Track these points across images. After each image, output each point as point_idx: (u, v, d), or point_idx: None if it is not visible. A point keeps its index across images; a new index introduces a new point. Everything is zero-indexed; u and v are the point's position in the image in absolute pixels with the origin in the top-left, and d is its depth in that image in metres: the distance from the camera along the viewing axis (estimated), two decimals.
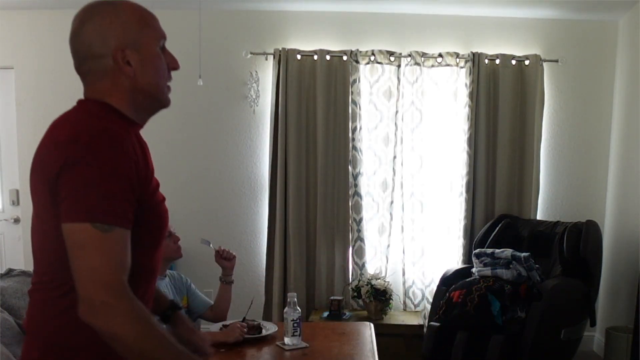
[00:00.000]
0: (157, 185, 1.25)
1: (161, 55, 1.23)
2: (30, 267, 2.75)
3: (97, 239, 1.03)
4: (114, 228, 1.04)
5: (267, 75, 3.99)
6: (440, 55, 3.90)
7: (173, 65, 1.28)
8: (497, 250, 3.45)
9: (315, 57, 3.90)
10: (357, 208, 3.95)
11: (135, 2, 1.21)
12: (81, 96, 1.24)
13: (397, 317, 3.78)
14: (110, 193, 1.05)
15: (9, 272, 2.59)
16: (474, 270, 3.50)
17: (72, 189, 1.04)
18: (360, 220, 3.96)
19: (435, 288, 3.64)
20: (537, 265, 3.37)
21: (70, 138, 1.07)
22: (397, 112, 3.93)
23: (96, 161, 1.04)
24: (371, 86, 3.96)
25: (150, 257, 1.23)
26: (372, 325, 2.50)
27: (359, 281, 3.80)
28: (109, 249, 1.04)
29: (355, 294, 3.75)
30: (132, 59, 1.16)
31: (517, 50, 3.95)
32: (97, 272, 1.02)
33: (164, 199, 1.27)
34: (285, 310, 2.21)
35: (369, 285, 3.66)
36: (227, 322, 2.43)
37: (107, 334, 1.03)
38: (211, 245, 2.65)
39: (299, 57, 3.90)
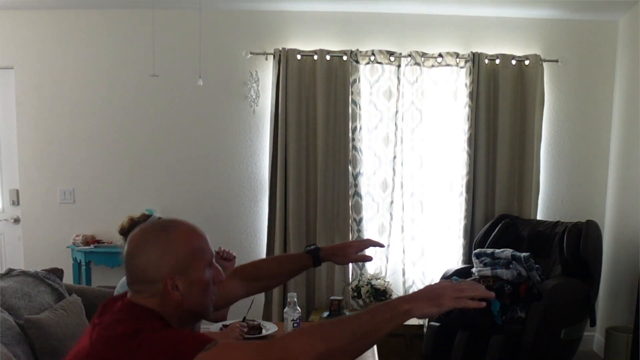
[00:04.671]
0: None
1: (208, 276, 1.29)
2: (30, 267, 2.75)
3: (219, 351, 1.09)
4: (216, 342, 1.11)
5: (267, 75, 3.99)
6: (440, 55, 3.90)
7: (218, 279, 1.33)
8: (497, 250, 3.45)
9: (315, 57, 3.90)
10: (357, 208, 3.95)
11: (188, 225, 1.28)
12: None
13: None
14: (186, 334, 1.15)
15: (9, 272, 2.59)
16: (474, 270, 3.50)
17: (162, 349, 1.09)
18: (360, 220, 3.95)
19: None
20: (537, 265, 3.37)
21: (129, 332, 1.13)
22: (397, 112, 3.93)
23: (160, 333, 1.14)
24: (371, 86, 3.96)
25: None
26: None
27: (359, 281, 3.80)
28: (231, 345, 1.18)
29: (355, 294, 3.76)
30: (180, 284, 1.23)
31: (517, 50, 3.95)
32: (251, 354, 1.11)
33: None
34: (285, 310, 2.21)
35: (369, 285, 3.66)
36: (227, 322, 2.43)
37: (322, 353, 1.09)
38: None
39: (299, 57, 3.90)
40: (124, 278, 2.40)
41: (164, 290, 1.22)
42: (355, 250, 1.76)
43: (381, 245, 1.83)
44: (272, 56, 3.93)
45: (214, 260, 1.32)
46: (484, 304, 1.15)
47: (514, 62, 3.92)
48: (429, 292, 1.15)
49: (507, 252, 3.38)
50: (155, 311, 1.22)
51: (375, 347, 2.19)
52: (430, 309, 1.13)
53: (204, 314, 1.31)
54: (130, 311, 1.22)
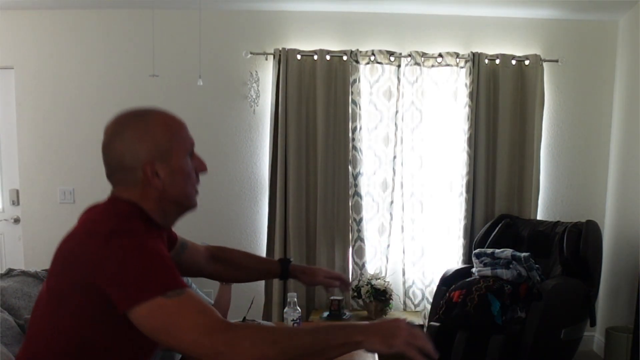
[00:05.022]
0: None
1: (190, 164, 1.27)
2: (30, 267, 2.75)
3: (177, 305, 1.05)
4: (184, 290, 1.08)
5: (267, 75, 3.99)
6: (440, 55, 3.90)
7: (201, 168, 1.32)
8: (497, 250, 3.45)
9: (315, 57, 3.90)
10: (357, 208, 3.95)
11: (165, 112, 1.26)
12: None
13: (397, 317, 3.77)
14: (164, 267, 1.09)
15: (9, 272, 2.59)
16: (474, 270, 3.50)
17: (125, 277, 1.07)
18: (360, 220, 3.95)
19: (435, 288, 3.64)
20: (537, 265, 3.37)
21: (110, 233, 1.10)
22: (397, 112, 3.93)
23: (140, 248, 1.08)
24: (371, 86, 3.96)
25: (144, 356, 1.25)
26: None
27: (359, 281, 3.81)
28: (191, 306, 1.07)
29: (355, 294, 3.76)
30: (161, 170, 1.20)
31: (517, 50, 3.95)
32: (197, 328, 1.05)
33: None
34: (285, 310, 2.20)
35: (369, 285, 3.66)
36: None
37: None
38: None
39: (299, 57, 3.90)
40: None
41: (144, 178, 1.19)
42: (325, 274, 1.71)
43: (347, 286, 1.76)
44: (272, 56, 3.93)
45: (195, 150, 1.29)
46: None
47: (514, 62, 3.92)
48: (384, 329, 1.14)
49: (507, 252, 3.38)
50: (137, 206, 1.19)
51: None
52: (381, 346, 1.11)
53: (187, 204, 1.28)
54: (111, 208, 1.20)
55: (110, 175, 1.23)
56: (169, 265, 1.11)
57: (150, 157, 1.19)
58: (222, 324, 1.07)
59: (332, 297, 3.68)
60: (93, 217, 1.19)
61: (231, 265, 1.71)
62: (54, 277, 1.17)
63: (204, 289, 3.05)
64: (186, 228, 3.57)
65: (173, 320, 1.05)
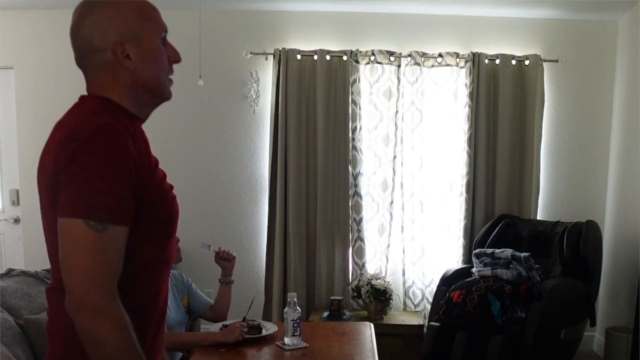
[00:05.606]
0: (164, 176, 1.25)
1: (162, 49, 1.23)
2: (30, 267, 2.75)
3: (90, 238, 1.01)
4: (108, 227, 1.03)
5: (267, 75, 3.99)
6: (440, 55, 3.90)
7: (175, 58, 1.27)
8: (497, 250, 3.45)
9: (315, 57, 3.90)
10: (357, 208, 3.95)
11: None
12: (81, 94, 1.25)
13: (397, 317, 3.78)
14: (106, 190, 1.03)
15: (9, 272, 2.59)
16: (474, 270, 3.50)
17: (69, 186, 1.03)
18: (360, 220, 3.95)
19: (435, 288, 3.64)
20: (537, 265, 3.37)
21: (70, 136, 1.07)
22: (397, 112, 3.93)
23: (94, 158, 1.04)
24: (371, 86, 3.96)
25: (164, 249, 1.22)
26: (372, 325, 2.50)
27: (359, 281, 3.80)
28: (102, 250, 1.02)
29: (355, 294, 3.75)
30: (132, 52, 1.15)
31: (517, 50, 3.95)
32: (90, 273, 1.01)
33: (171, 187, 1.27)
34: (285, 310, 2.21)
35: (369, 285, 3.66)
36: (227, 322, 2.44)
37: (88, 335, 1.02)
38: (211, 248, 2.65)
39: (299, 57, 3.90)
40: None
41: (114, 59, 1.15)
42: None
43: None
44: (272, 56, 3.93)
45: (167, 38, 1.25)
46: None
47: (514, 62, 3.92)
48: None
49: (507, 252, 3.38)
50: (108, 99, 1.16)
51: (375, 347, 2.20)
52: None
53: (160, 92, 1.24)
54: (78, 107, 1.17)
55: (79, 60, 1.20)
56: (111, 193, 1.04)
57: (120, 38, 1.14)
58: (109, 287, 1.02)
59: (332, 297, 3.68)
60: (61, 123, 1.15)
61: None
62: (44, 192, 1.14)
63: (205, 289, 3.05)
64: (187, 228, 3.58)
65: (75, 248, 1.01)
